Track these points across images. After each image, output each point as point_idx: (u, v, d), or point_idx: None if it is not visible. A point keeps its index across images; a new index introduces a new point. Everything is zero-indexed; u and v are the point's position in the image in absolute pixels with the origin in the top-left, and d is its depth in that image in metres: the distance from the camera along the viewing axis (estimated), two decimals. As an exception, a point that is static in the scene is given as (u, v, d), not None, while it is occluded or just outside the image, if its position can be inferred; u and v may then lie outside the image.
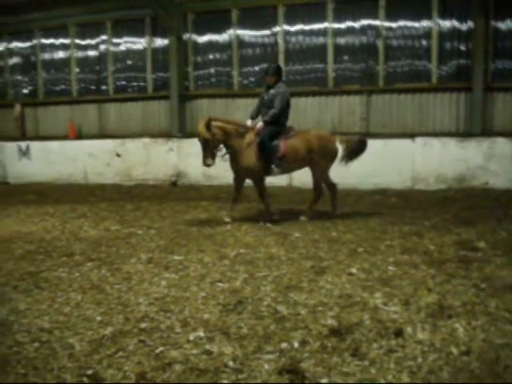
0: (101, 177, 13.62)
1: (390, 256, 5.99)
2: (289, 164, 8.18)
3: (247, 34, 13.86)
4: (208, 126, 7.70)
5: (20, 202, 10.97)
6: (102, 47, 15.60)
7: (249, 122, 8.28)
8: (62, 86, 16.37)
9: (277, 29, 13.56)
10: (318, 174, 8.28)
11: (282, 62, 13.36)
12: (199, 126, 7.75)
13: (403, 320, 4.17)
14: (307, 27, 13.33)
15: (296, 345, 3.81)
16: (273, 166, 8.04)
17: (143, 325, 4.22)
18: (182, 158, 12.97)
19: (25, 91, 17.07)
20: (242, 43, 13.92)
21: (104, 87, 15.66)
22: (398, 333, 3.92)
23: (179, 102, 14.17)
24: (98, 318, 4.40)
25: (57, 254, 6.46)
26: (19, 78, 17.12)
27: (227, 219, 8.16)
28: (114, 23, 15.31)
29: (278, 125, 8.07)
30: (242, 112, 13.49)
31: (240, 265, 5.79)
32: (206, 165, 7.83)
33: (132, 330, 4.13)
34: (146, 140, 13.49)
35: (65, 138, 15.40)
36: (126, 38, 15.31)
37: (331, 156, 8.30)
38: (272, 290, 4.97)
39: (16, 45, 17.00)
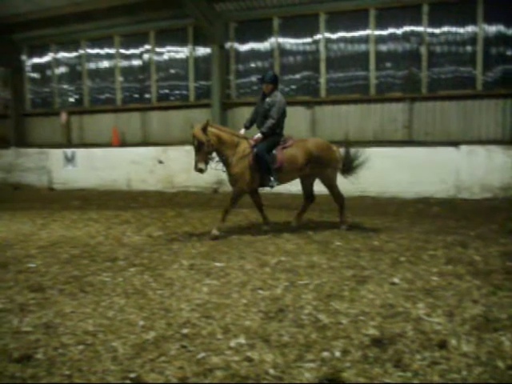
0: (143, 183, 13.86)
1: (433, 266, 5.88)
2: (286, 174, 7.93)
3: (288, 41, 13.91)
4: (204, 130, 7.48)
5: (65, 208, 11.27)
6: (146, 56, 15.91)
7: (242, 131, 8.06)
8: (107, 95, 16.78)
9: (318, 36, 13.56)
10: (327, 183, 8.10)
11: (323, 70, 13.36)
12: (195, 128, 7.52)
13: (447, 332, 4.08)
14: (349, 34, 13.29)
15: (337, 354, 3.78)
16: (271, 178, 7.77)
17: (185, 330, 4.26)
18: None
19: (71, 100, 17.56)
20: (283, 51, 13.97)
21: (147, 95, 15.96)
22: (442, 345, 3.84)
23: (221, 110, 14.31)
24: (141, 323, 4.46)
25: (101, 259, 6.59)
26: (66, 87, 17.64)
27: (216, 233, 7.72)
28: (158, 33, 15.61)
29: (273, 135, 7.84)
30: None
31: (281, 272, 5.79)
32: (198, 169, 7.49)
33: (174, 336, 4.17)
34: (188, 147, 13.62)
35: (109, 145, 15.74)
36: (168, 48, 15.58)
37: (333, 163, 8.08)
38: (313, 298, 4.94)
39: (63, 55, 17.53)
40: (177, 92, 15.50)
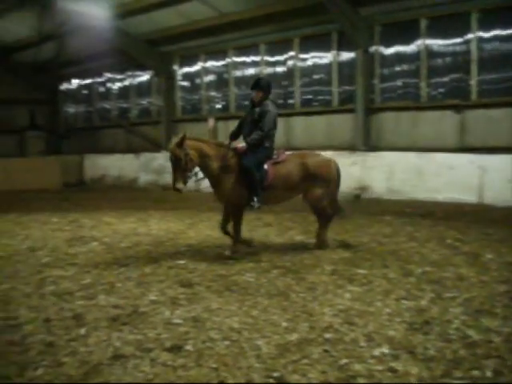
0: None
1: None
2: (276, 193, 7.16)
3: (436, 43, 13.32)
4: (180, 144, 6.65)
5: (210, 209, 11.69)
6: (290, 63, 16.18)
7: (227, 142, 7.31)
8: (251, 101, 17.30)
9: (469, 36, 12.82)
10: (316, 204, 7.33)
11: (474, 72, 12.60)
12: (171, 143, 6.80)
13: None
14: (504, 32, 12.40)
15: (489, 374, 3.56)
16: (255, 198, 6.91)
17: (327, 335, 4.27)
18: (366, 172, 12.89)
19: (218, 106, 18.39)
20: (430, 53, 13.41)
21: (291, 101, 16.21)
22: None
23: (364, 115, 14.10)
24: (284, 324, 4.55)
25: (245, 260, 6.82)
26: (213, 94, 18.50)
27: (227, 253, 7.12)
28: (302, 39, 15.80)
29: (263, 148, 7.03)
30: (429, 125, 13.02)
31: (426, 283, 5.58)
32: (176, 189, 6.71)
33: (317, 339, 4.20)
34: (330, 153, 13.59)
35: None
36: (312, 53, 15.69)
37: (329, 182, 7.36)
38: (461, 312, 4.71)
39: (211, 64, 18.41)
40: (320, 97, 15.56)
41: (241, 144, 7.06)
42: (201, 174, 7.11)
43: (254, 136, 6.96)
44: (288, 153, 7.54)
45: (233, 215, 7.16)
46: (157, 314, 4.92)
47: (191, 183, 7.06)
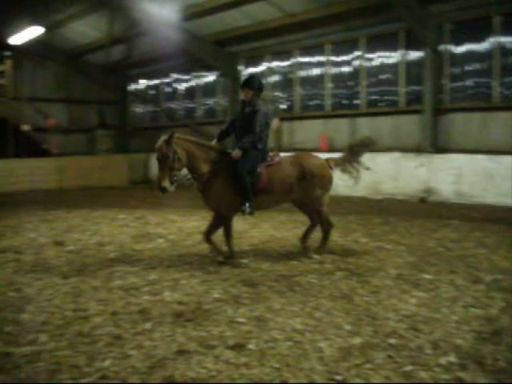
0: (348, 189, 13.90)
1: None
2: (270, 198, 6.87)
3: (510, 40, 12.78)
4: (168, 142, 6.39)
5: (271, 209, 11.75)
6: (356, 63, 15.97)
7: (213, 142, 7.05)
8: (316, 101, 17.23)
9: (546, 34, 12.24)
10: (315, 207, 7.05)
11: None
12: (159, 141, 6.47)
13: None
14: None
15: None
16: (247, 204, 6.60)
17: (392, 340, 4.19)
18: (433, 174, 12.54)
19: (282, 106, 18.41)
20: (504, 51, 12.89)
21: (356, 102, 16.01)
22: None
23: (432, 116, 13.72)
24: (347, 327, 4.50)
25: (308, 261, 6.79)
26: (278, 94, 18.53)
27: (220, 258, 6.83)
28: (368, 39, 15.57)
29: (256, 151, 6.74)
30: (501, 127, 12.53)
31: (497, 291, 5.37)
32: (161, 189, 6.39)
33: (380, 344, 4.13)
34: (396, 154, 13.40)
35: (316, 150, 16.12)
36: (379, 53, 15.42)
37: (326, 185, 7.05)
38: (535, 323, 4.50)
39: (276, 64, 18.44)
40: (386, 98, 15.28)
41: (235, 152, 6.70)
42: (190, 176, 6.83)
43: (246, 139, 6.67)
44: (283, 155, 7.27)
45: (222, 222, 6.85)
46: (220, 311, 4.98)
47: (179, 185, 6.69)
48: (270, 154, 7.02)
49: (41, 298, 5.49)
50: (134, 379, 3.67)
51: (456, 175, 12.37)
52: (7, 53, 19.45)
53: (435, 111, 13.77)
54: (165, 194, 6.52)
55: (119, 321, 4.77)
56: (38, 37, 19.46)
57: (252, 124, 6.66)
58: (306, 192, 6.93)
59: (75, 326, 4.66)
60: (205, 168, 6.66)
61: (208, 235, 6.88)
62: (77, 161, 19.45)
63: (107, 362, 3.92)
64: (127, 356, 4.02)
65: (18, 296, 5.61)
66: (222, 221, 6.85)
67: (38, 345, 4.28)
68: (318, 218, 7.15)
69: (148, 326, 4.63)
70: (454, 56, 13.78)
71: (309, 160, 7.11)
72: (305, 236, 7.25)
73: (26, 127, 21.09)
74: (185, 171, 6.78)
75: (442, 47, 13.84)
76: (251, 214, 6.71)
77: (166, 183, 6.38)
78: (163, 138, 6.44)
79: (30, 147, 20.31)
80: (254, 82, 6.92)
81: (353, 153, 7.47)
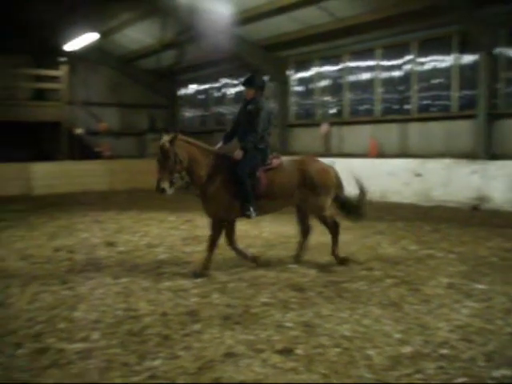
0: (398, 195, 13.70)
1: None
2: (271, 202, 6.66)
3: None
4: (172, 142, 6.26)
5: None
6: (407, 67, 15.73)
7: (219, 145, 6.89)
8: (366, 106, 17.05)
9: None
10: (318, 213, 6.89)
11: None
12: (162, 140, 6.35)
13: None
14: None
15: None
16: (251, 208, 6.44)
17: (443, 351, 4.10)
18: (487, 182, 12.18)
19: (331, 111, 18.30)
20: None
21: (407, 107, 15.75)
22: None
23: (486, 121, 13.35)
24: (397, 336, 4.43)
25: (356, 268, 6.72)
26: (327, 99, 18.44)
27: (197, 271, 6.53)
28: (420, 43, 15.30)
29: (257, 151, 6.56)
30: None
31: (554, 303, 5.17)
32: (160, 190, 6.26)
33: (431, 354, 4.05)
34: (448, 161, 13.08)
35: (366, 155, 15.96)
36: (431, 57, 15.13)
37: (329, 190, 6.87)
38: None
39: (326, 68, 18.36)
40: (438, 102, 14.96)
41: (236, 152, 6.56)
42: (187, 179, 6.69)
43: (249, 139, 6.52)
44: (284, 158, 7.11)
45: (213, 227, 6.60)
46: (268, 315, 4.99)
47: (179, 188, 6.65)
48: (271, 156, 6.85)
49: (93, 297, 5.65)
50: (182, 380, 3.72)
51: (511, 182, 11.98)
52: (63, 59, 20.10)
53: (489, 116, 13.38)
54: (163, 195, 6.44)
55: (168, 321, 4.85)
56: (93, 43, 20.03)
57: (255, 122, 6.55)
58: (306, 198, 6.81)
59: (126, 325, 4.76)
60: (203, 172, 6.52)
61: (232, 245, 6.86)
62: (127, 164, 19.87)
63: (157, 362, 3.99)
64: (176, 356, 4.08)
65: (71, 294, 5.78)
66: (213, 227, 6.61)
67: (90, 342, 4.40)
68: (323, 224, 7.06)
69: (197, 327, 4.68)
70: (509, 60, 13.39)
71: (310, 165, 6.96)
72: (300, 248, 7.16)
73: (79, 131, 21.77)
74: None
75: (497, 51, 13.47)
76: (249, 217, 6.55)
77: (166, 185, 6.28)
78: (166, 138, 6.35)
79: (83, 150, 20.90)
80: (255, 81, 6.82)
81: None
